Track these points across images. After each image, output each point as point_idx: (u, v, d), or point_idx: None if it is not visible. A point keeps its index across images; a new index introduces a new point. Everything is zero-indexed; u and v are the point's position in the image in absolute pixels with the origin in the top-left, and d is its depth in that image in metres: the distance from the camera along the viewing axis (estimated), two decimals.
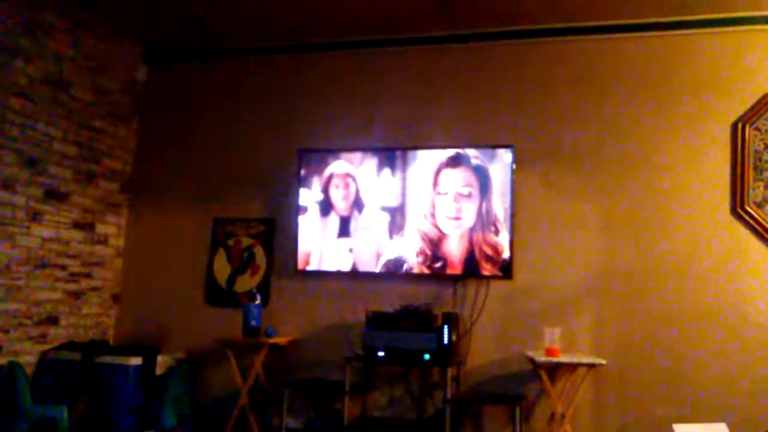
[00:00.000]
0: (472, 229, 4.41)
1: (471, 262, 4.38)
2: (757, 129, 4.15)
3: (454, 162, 4.49)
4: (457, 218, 4.44)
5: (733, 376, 4.01)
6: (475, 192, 4.43)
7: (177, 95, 5.30)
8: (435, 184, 4.51)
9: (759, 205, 4.10)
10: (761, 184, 4.11)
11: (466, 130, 4.63)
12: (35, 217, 4.39)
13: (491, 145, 4.46)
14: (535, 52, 4.62)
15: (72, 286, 4.70)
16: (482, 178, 4.43)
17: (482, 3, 4.30)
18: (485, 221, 4.39)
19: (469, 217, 4.42)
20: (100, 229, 4.97)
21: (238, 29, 4.88)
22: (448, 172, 4.49)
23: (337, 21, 4.68)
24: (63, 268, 4.62)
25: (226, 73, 5.20)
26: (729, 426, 2.56)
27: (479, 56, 4.70)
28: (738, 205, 4.13)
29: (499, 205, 4.37)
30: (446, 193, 4.48)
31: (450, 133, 4.64)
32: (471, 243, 4.40)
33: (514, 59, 4.64)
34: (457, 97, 4.69)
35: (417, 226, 4.50)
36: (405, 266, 4.50)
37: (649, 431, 4.02)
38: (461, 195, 4.45)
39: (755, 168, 4.13)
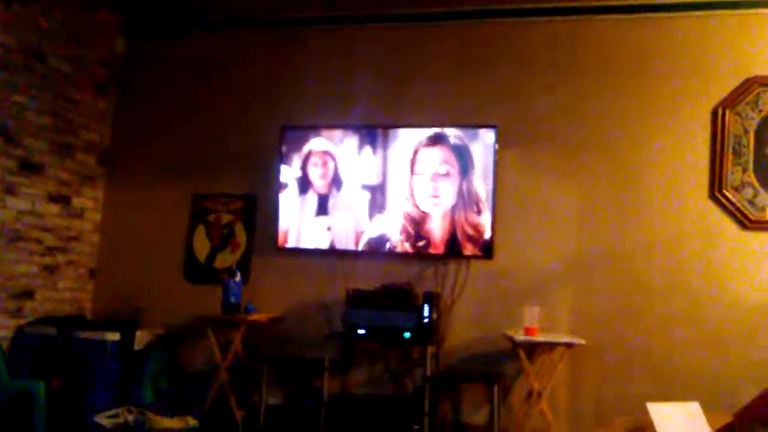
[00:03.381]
0: (453, 209, 4.41)
1: (453, 242, 4.40)
2: (737, 114, 4.20)
3: (433, 141, 4.47)
4: (435, 196, 4.44)
5: (708, 356, 4.09)
6: (454, 171, 4.43)
7: (156, 68, 5.20)
8: (413, 163, 4.49)
9: (737, 189, 4.16)
10: (739, 168, 4.16)
11: (449, 109, 4.61)
12: (10, 189, 4.30)
13: (474, 125, 4.46)
14: (518, 32, 4.60)
15: (48, 260, 4.63)
16: (462, 158, 4.42)
17: None
18: (467, 201, 4.39)
19: (448, 196, 4.42)
20: (77, 202, 4.89)
21: (219, 4, 4.79)
22: (425, 152, 4.48)
23: None
24: (39, 241, 4.55)
25: (206, 48, 5.11)
26: (702, 404, 2.60)
27: (464, 35, 4.68)
28: (716, 189, 4.18)
29: (482, 185, 4.38)
30: (423, 173, 4.47)
31: (433, 113, 4.62)
32: (453, 223, 4.41)
33: (498, 39, 4.62)
34: (441, 77, 4.67)
35: (399, 205, 4.50)
36: (388, 245, 4.50)
37: (625, 409, 4.08)
38: (438, 174, 4.44)
39: (734, 152, 4.18)
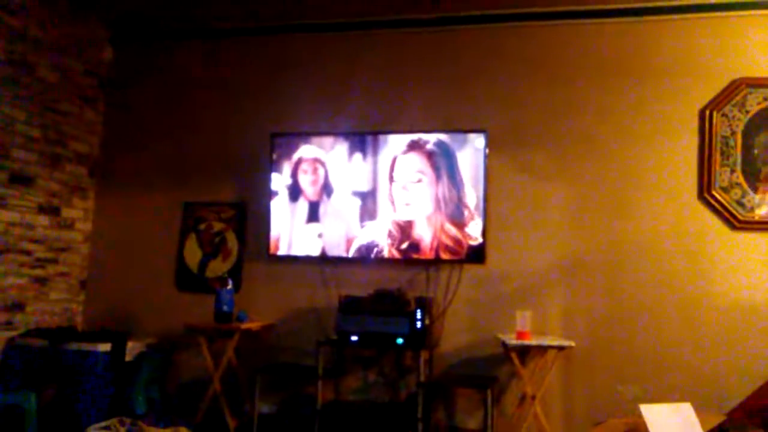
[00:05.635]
0: (435, 215, 4.41)
1: (440, 248, 4.40)
2: (725, 115, 4.22)
3: (409, 148, 4.48)
4: (408, 204, 4.45)
5: (698, 357, 4.11)
6: (428, 178, 4.43)
7: (145, 77, 5.20)
8: (391, 171, 4.51)
9: (725, 190, 4.18)
10: (727, 169, 4.19)
11: (439, 114, 4.62)
12: None
13: (464, 130, 4.47)
14: (506, 37, 4.62)
15: (38, 272, 4.61)
16: (438, 164, 4.42)
17: None
18: (446, 207, 4.38)
19: (423, 203, 4.42)
20: (67, 213, 4.87)
21: (208, 11, 4.80)
22: (402, 159, 4.49)
23: (308, 3, 4.63)
24: (29, 253, 4.52)
25: (195, 55, 5.11)
26: (694, 406, 2.61)
27: (453, 41, 4.70)
28: (705, 190, 4.21)
29: (471, 190, 4.39)
30: (397, 180, 4.48)
31: (423, 118, 4.63)
32: (437, 229, 4.41)
33: (487, 44, 4.64)
34: (430, 82, 4.68)
35: (387, 211, 4.50)
36: (378, 251, 4.50)
37: (617, 411, 4.09)
38: (411, 181, 4.45)
39: (722, 153, 4.20)
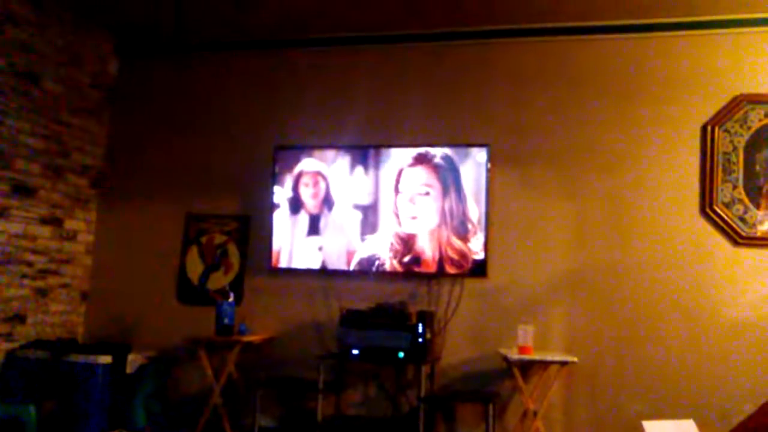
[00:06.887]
0: (438, 229, 4.41)
1: (443, 261, 4.40)
2: (726, 131, 4.23)
3: (415, 161, 4.50)
4: (414, 217, 4.45)
5: (701, 373, 4.09)
6: (435, 191, 4.44)
7: (149, 90, 5.22)
8: (396, 183, 4.52)
9: (727, 206, 4.18)
10: (729, 185, 4.19)
11: (442, 128, 4.63)
12: (2, 212, 4.28)
13: (466, 144, 4.48)
14: (509, 52, 4.64)
15: (40, 283, 4.60)
16: (445, 178, 4.44)
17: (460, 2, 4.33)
18: (451, 220, 4.39)
19: (429, 216, 4.43)
20: (69, 225, 4.87)
21: (212, 25, 4.82)
22: (408, 171, 4.50)
23: (311, 19, 4.66)
24: (30, 264, 4.52)
25: (199, 69, 5.14)
26: (697, 422, 2.60)
27: (456, 56, 4.72)
28: (707, 205, 4.21)
29: (473, 204, 4.39)
30: (403, 192, 4.49)
31: (425, 132, 4.64)
32: (442, 242, 4.41)
33: (490, 59, 4.66)
34: (434, 96, 4.70)
35: (390, 224, 4.50)
36: (379, 264, 4.49)
37: (620, 428, 4.08)
38: (419, 194, 4.46)
39: (724, 169, 4.21)
